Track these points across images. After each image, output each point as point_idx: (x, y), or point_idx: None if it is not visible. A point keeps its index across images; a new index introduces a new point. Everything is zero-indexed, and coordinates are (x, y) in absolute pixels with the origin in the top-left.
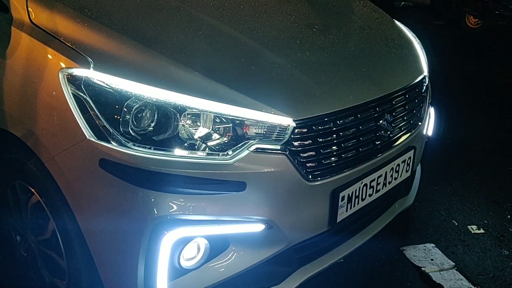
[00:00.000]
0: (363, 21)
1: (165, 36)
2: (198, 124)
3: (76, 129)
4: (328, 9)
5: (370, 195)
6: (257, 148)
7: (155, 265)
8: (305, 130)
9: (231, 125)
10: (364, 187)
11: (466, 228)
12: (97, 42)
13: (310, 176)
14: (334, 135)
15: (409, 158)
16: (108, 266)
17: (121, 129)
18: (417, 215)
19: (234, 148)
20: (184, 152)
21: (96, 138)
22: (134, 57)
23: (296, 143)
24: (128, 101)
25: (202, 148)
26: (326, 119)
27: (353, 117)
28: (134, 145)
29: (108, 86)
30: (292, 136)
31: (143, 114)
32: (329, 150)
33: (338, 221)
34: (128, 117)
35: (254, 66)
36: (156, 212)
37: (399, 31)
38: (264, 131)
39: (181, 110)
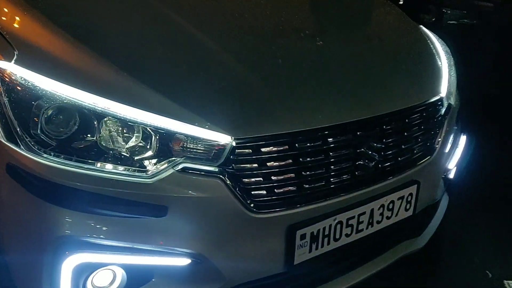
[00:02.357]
0: (375, 30)
1: (105, 31)
2: (117, 134)
3: None
4: (336, 15)
5: (347, 235)
6: (185, 168)
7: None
8: (249, 151)
9: (154, 137)
10: (338, 225)
11: (501, 284)
12: (29, 33)
13: (254, 207)
14: (290, 160)
15: (410, 194)
16: (22, 282)
17: (31, 131)
18: (444, 257)
19: (155, 165)
20: (96, 166)
21: (5, 139)
22: (62, 52)
23: (236, 166)
24: (39, 100)
25: (118, 162)
26: (280, 140)
27: (320, 141)
28: (42, 151)
29: (21, 82)
30: (231, 157)
31: (60, 117)
32: (284, 177)
33: (296, 263)
34: (38, 119)
35: (202, 72)
36: (58, 231)
37: (421, 44)
38: (195, 149)
39: (100, 116)
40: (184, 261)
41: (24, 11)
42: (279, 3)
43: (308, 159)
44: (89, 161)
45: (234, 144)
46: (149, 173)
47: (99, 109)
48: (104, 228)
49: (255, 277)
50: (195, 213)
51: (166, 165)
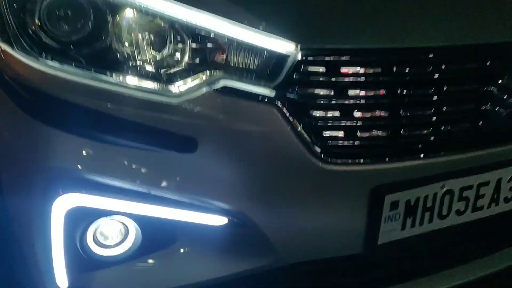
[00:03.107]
0: None
1: None
2: (137, 34)
3: None
4: None
5: (459, 212)
6: (225, 87)
7: (47, 238)
8: (322, 69)
9: (187, 40)
10: (447, 196)
11: None
12: None
13: (325, 154)
14: (383, 90)
15: None
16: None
17: (28, 29)
18: None
19: (185, 80)
20: (108, 76)
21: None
22: None
23: (301, 90)
24: None
25: (137, 74)
26: (370, 58)
27: (430, 67)
28: (40, 54)
29: None
30: (294, 75)
31: (66, 12)
32: (371, 114)
33: (380, 243)
34: (37, 12)
35: None
36: (50, 160)
37: None
38: (242, 60)
39: (116, 8)
40: (219, 220)
41: None
42: None
43: (409, 91)
44: (100, 70)
45: (299, 56)
46: (175, 90)
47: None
48: (111, 163)
49: (318, 257)
50: (236, 154)
51: (199, 81)
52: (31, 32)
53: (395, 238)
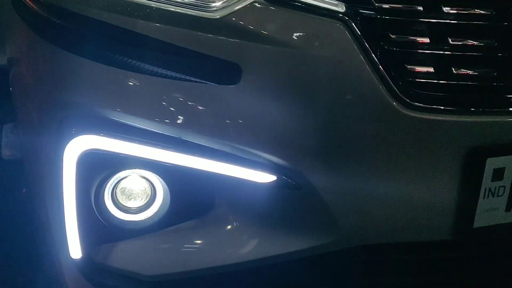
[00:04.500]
0: None
1: None
2: None
3: None
4: None
5: None
6: None
7: (58, 194)
8: None
9: None
10: None
11: None
12: None
13: (409, 95)
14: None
15: None
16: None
17: None
18: None
19: None
20: None
21: None
22: None
23: (380, 6)
24: None
25: None
26: None
27: None
28: None
29: None
30: None
31: None
32: (478, 44)
33: (477, 226)
34: None
35: None
36: (62, 94)
37: None
38: None
39: None
40: (267, 180)
41: None
42: None
43: None
44: None
45: None
46: (215, 2)
47: None
48: (135, 97)
49: (391, 240)
50: (290, 88)
51: None
52: None
53: (497, 222)
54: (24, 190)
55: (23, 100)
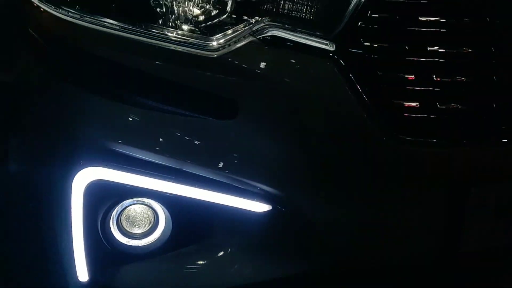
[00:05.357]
0: None
1: None
2: None
3: None
4: None
5: None
6: (274, 37)
7: (67, 220)
8: (395, 15)
9: None
10: None
11: None
12: None
13: (395, 127)
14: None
15: None
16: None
17: None
18: None
19: (228, 28)
20: (140, 27)
21: None
22: None
23: (367, 44)
24: None
25: (173, 19)
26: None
27: None
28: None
29: None
30: (358, 24)
31: None
32: (459, 79)
33: (463, 251)
34: None
35: None
36: (73, 128)
37: None
38: (294, 4)
39: None
40: (262, 208)
41: None
42: None
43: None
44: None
45: None
46: (216, 41)
47: None
48: (139, 130)
49: (379, 263)
50: (284, 121)
51: (244, 29)
52: None
53: (485, 246)
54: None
55: (33, 132)
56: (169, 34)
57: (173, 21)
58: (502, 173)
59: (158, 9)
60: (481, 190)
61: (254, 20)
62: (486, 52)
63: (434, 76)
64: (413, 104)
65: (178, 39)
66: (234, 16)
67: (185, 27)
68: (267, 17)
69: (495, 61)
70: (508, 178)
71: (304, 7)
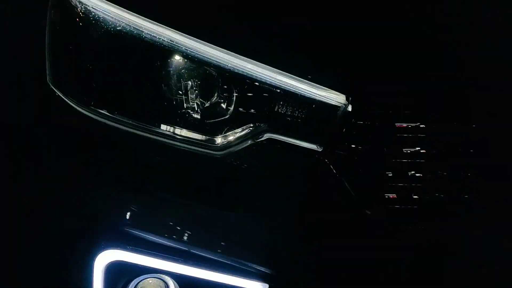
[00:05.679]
0: None
1: None
2: (184, 80)
3: None
4: None
5: None
6: (270, 140)
7: None
8: (375, 122)
9: (233, 90)
10: None
11: None
12: None
13: (377, 216)
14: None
15: None
16: None
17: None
18: None
19: (230, 131)
20: (152, 126)
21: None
22: None
23: (354, 147)
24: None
25: (183, 122)
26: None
27: None
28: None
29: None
30: (344, 129)
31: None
32: (431, 175)
33: None
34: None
35: None
36: (94, 214)
37: None
38: (287, 111)
39: (162, 55)
40: (258, 286)
41: None
42: None
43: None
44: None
45: (350, 109)
46: (220, 142)
47: (165, 41)
48: (152, 217)
49: None
50: (279, 212)
51: (244, 132)
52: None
53: None
54: None
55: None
56: (178, 133)
57: (180, 121)
58: None
59: (168, 107)
60: None
61: (253, 126)
62: (459, 152)
63: (408, 172)
64: (392, 196)
65: (187, 139)
66: (237, 115)
67: (190, 132)
68: (265, 122)
69: (466, 162)
70: None
71: (296, 115)
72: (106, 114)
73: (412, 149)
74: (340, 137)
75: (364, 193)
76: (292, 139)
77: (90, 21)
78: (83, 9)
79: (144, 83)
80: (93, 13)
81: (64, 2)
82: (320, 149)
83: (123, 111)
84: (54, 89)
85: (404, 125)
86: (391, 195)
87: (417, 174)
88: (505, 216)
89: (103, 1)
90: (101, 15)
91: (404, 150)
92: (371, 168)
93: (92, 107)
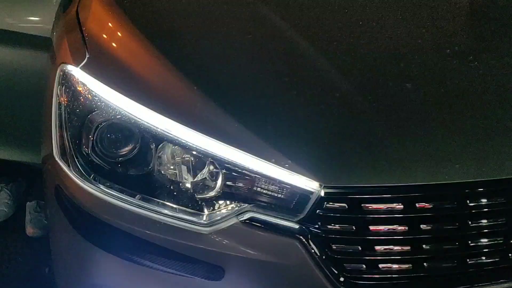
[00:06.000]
0: None
1: (197, 47)
2: (174, 164)
3: (50, 139)
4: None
5: None
6: (252, 219)
7: None
8: (344, 205)
9: (219, 174)
10: None
11: None
12: (110, 37)
13: (346, 286)
14: (405, 226)
15: None
16: None
17: (82, 149)
18: None
19: (216, 210)
20: (144, 202)
21: (59, 156)
22: (140, 65)
23: (324, 225)
24: (94, 113)
25: (172, 200)
26: (391, 194)
27: (455, 202)
28: (90, 175)
29: (81, 90)
30: (317, 211)
31: (116, 136)
32: (394, 249)
33: None
34: (90, 135)
35: (297, 91)
36: (94, 278)
37: None
38: (268, 194)
39: (158, 139)
40: None
41: (113, 13)
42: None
43: (433, 225)
44: (136, 195)
45: (322, 194)
46: (206, 220)
47: (159, 130)
48: (145, 285)
49: None
50: (260, 284)
51: (228, 212)
52: (84, 154)
53: None
54: (46, 269)
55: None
56: (167, 210)
57: (169, 199)
58: None
59: (158, 186)
60: None
61: (236, 205)
62: (416, 228)
63: (375, 247)
64: (361, 268)
65: (174, 216)
66: (222, 196)
67: (179, 209)
68: (248, 203)
69: (422, 236)
70: None
71: (276, 197)
72: (103, 190)
73: (379, 227)
74: (315, 218)
75: (336, 266)
76: (272, 218)
77: (93, 107)
78: (87, 93)
79: (139, 163)
80: (96, 99)
81: (72, 82)
82: (297, 227)
83: (120, 186)
84: (59, 162)
85: (372, 206)
86: (361, 267)
87: (384, 249)
88: None
89: (105, 85)
90: (104, 101)
91: (371, 228)
92: (342, 244)
93: (93, 181)
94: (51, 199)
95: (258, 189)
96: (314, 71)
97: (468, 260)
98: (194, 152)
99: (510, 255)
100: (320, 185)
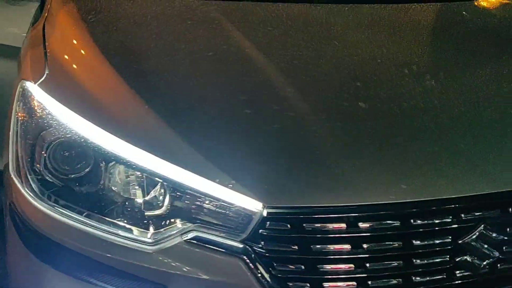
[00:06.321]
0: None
1: (155, 66)
2: (122, 183)
3: (6, 155)
4: (466, 45)
5: None
6: (196, 238)
7: None
8: (287, 226)
9: (164, 193)
10: None
11: None
12: (70, 54)
13: None
14: (348, 245)
15: None
16: None
17: (34, 167)
18: None
19: (160, 229)
20: (92, 221)
21: (14, 173)
22: (97, 84)
23: (267, 245)
24: (46, 131)
25: (117, 219)
26: (335, 215)
27: (399, 221)
28: (41, 193)
29: (36, 107)
30: (260, 231)
31: (68, 154)
32: (338, 268)
33: None
34: (43, 152)
35: (249, 110)
36: None
37: None
38: (211, 213)
39: (108, 159)
40: None
41: (76, 30)
42: (383, 26)
43: (377, 244)
44: (84, 212)
45: (265, 214)
46: (151, 239)
47: (108, 150)
48: None
49: None
50: None
51: (173, 231)
52: (37, 171)
53: None
54: None
55: None
56: (113, 229)
57: (114, 217)
58: None
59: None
60: None
61: (182, 225)
62: (359, 248)
63: (318, 266)
64: (304, 285)
65: (123, 235)
66: (167, 215)
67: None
68: (192, 222)
69: (365, 255)
70: None
71: (220, 217)
72: (53, 207)
73: (322, 247)
74: (258, 237)
75: (280, 286)
76: (215, 237)
77: (45, 125)
78: (41, 110)
79: (91, 180)
80: (49, 116)
81: (28, 99)
82: (241, 246)
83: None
84: (14, 178)
85: (314, 226)
86: (304, 285)
87: (327, 268)
88: None
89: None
90: (56, 119)
91: (314, 247)
92: (286, 264)
93: (44, 198)
94: (6, 214)
95: (203, 208)
96: (270, 90)
97: (413, 278)
98: (138, 174)
99: (457, 274)
100: (263, 206)
